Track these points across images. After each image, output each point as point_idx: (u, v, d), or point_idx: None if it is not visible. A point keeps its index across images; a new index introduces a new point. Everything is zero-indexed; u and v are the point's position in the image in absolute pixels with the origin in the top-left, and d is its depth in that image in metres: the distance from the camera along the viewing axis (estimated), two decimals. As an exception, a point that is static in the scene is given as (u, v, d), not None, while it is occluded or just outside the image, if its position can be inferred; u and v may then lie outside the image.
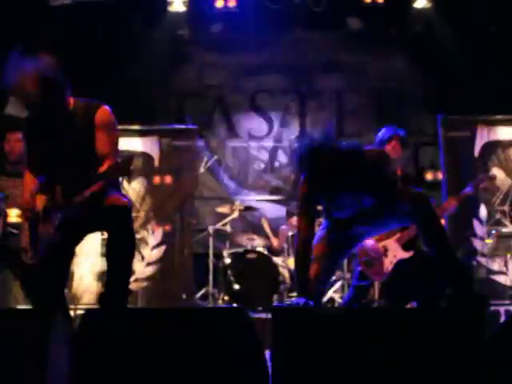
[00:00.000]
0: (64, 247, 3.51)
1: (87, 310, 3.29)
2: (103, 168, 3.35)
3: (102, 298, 3.32)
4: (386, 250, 5.12)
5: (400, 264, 5.00)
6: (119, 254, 3.36)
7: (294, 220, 6.76)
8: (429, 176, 7.63)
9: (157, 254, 6.60)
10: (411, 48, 8.05)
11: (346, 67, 8.14)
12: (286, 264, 6.54)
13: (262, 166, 8.18)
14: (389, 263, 5.09)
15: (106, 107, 3.57)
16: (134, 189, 6.67)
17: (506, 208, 6.38)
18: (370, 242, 5.13)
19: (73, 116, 3.52)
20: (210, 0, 7.65)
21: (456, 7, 7.56)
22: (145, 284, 6.56)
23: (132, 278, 6.47)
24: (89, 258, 6.27)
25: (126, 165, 3.26)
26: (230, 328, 2.91)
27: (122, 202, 3.42)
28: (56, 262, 3.48)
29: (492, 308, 6.09)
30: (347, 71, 8.14)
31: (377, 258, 5.13)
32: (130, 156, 3.45)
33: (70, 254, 3.65)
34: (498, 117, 6.61)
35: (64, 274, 3.63)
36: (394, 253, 5.10)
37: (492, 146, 6.49)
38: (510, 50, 7.32)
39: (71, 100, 3.57)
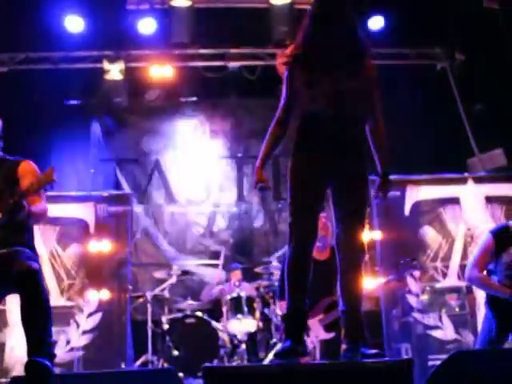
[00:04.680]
0: None
1: (12, 378, 3.19)
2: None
3: (26, 365, 3.23)
4: (308, 329, 5.13)
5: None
6: (33, 319, 3.36)
7: (235, 275, 6.77)
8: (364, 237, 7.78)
9: (93, 321, 6.44)
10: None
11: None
12: (225, 328, 6.47)
13: (201, 230, 8.18)
14: (310, 343, 5.09)
15: (29, 161, 3.79)
16: (69, 256, 6.56)
17: (437, 264, 6.56)
18: None
19: None
20: (146, 68, 7.80)
21: (383, 75, 7.92)
22: (81, 353, 6.35)
23: (67, 348, 6.30)
24: (19, 328, 6.05)
25: (49, 173, 3.40)
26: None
27: (30, 266, 3.43)
28: None
29: (430, 363, 6.17)
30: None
31: None
32: (51, 167, 3.52)
33: None
34: (427, 177, 6.86)
35: None
36: (316, 333, 5.11)
37: (421, 205, 6.71)
38: (434, 114, 7.69)
39: None
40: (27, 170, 3.72)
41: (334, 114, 3.27)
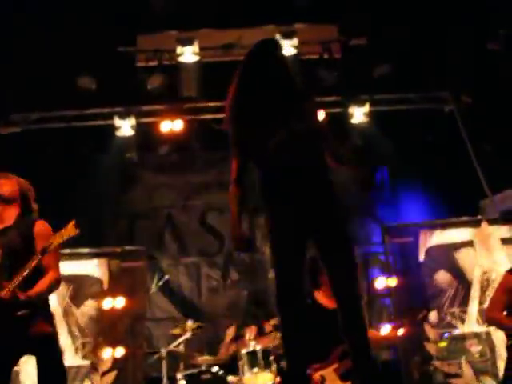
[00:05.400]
0: None
1: None
2: (47, 277, 3.53)
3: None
4: (323, 379, 5.04)
5: None
6: (49, 382, 3.35)
7: (250, 330, 6.68)
8: (379, 284, 7.67)
9: (107, 380, 6.37)
10: (353, 160, 8.34)
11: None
12: (242, 383, 6.36)
13: (215, 283, 8.14)
14: None
15: (42, 220, 3.80)
16: (83, 313, 6.54)
17: (455, 310, 6.45)
18: None
19: (14, 229, 3.70)
20: (157, 123, 7.90)
21: (392, 120, 8.00)
22: (96, 414, 6.29)
23: (82, 409, 6.22)
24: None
25: (70, 227, 3.50)
26: None
27: (47, 330, 3.48)
28: None
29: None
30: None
31: None
32: (72, 220, 3.53)
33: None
34: (440, 221, 6.82)
35: None
36: (332, 383, 5.03)
37: (435, 250, 6.65)
38: (444, 157, 7.70)
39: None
40: (42, 232, 3.69)
41: (295, 161, 3.16)
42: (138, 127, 7.96)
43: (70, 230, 3.51)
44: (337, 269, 3.24)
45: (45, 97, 7.75)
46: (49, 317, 3.68)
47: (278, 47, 3.43)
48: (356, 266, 3.29)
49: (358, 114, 8.00)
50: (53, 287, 3.63)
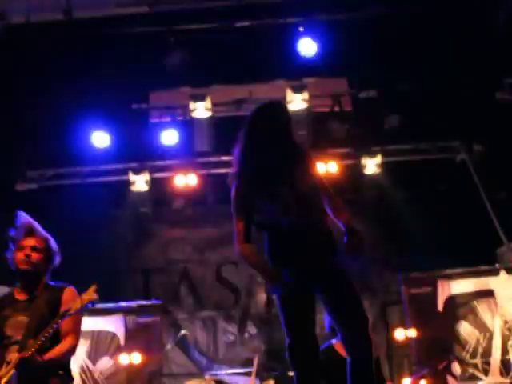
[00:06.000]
0: None
1: None
2: (63, 344, 3.49)
3: None
4: None
5: None
6: None
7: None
8: (399, 335, 7.54)
9: None
10: (368, 211, 8.35)
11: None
12: None
13: (232, 337, 8.04)
14: None
15: (72, 287, 3.71)
16: (99, 370, 6.46)
17: (477, 361, 6.32)
18: None
19: (41, 294, 3.64)
20: (171, 177, 7.97)
21: (404, 171, 8.03)
22: None
23: None
24: None
25: (90, 292, 3.43)
26: None
27: None
28: None
29: None
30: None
31: None
32: (94, 285, 3.50)
33: None
34: (457, 270, 6.76)
35: None
36: None
37: (454, 300, 6.57)
38: (458, 206, 7.68)
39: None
40: (70, 300, 3.59)
41: (301, 224, 3.23)
42: (153, 182, 8.02)
43: (90, 294, 3.47)
44: (345, 320, 3.24)
45: (60, 153, 7.87)
46: (66, 379, 3.61)
47: (283, 110, 3.50)
48: (365, 315, 3.28)
49: (371, 165, 8.03)
50: (67, 355, 3.56)
